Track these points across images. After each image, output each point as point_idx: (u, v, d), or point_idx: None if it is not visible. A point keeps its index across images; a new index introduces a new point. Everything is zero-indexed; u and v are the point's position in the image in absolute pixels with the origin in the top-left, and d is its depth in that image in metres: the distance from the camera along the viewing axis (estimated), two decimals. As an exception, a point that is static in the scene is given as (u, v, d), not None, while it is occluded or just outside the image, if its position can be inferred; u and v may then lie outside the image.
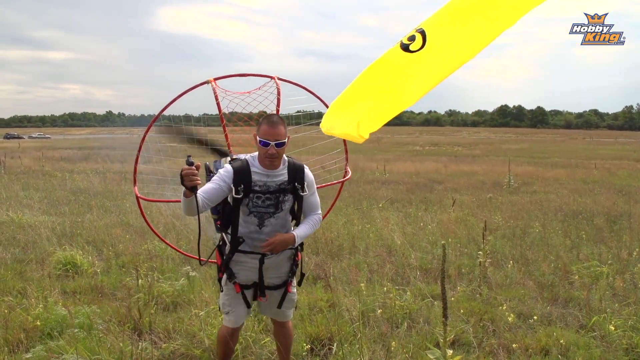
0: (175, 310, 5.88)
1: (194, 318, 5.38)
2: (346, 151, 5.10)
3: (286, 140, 3.47)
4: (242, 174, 3.48)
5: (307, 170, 3.68)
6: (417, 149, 49.50)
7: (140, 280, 6.18)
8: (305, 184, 3.63)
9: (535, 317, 5.64)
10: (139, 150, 4.35)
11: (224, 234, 3.77)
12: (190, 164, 3.09)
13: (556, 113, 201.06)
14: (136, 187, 4.52)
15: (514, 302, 6.19)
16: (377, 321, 5.59)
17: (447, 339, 3.71)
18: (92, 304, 5.92)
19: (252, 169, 3.52)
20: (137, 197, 4.45)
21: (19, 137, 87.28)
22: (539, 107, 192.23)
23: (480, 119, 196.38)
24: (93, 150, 42.25)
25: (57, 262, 7.46)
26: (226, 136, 4.26)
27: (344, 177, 5.18)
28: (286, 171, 3.59)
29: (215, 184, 3.46)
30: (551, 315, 5.86)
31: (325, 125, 3.41)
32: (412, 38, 3.07)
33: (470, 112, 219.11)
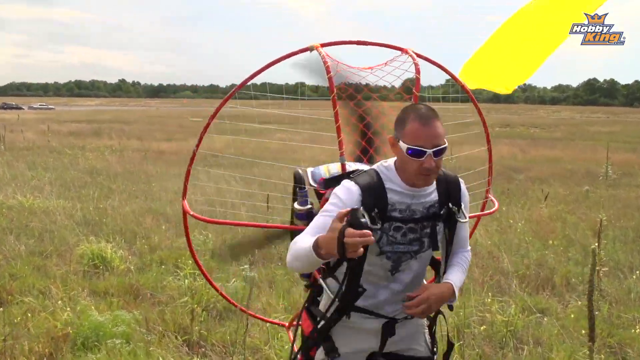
0: (229, 318, 5.79)
1: (256, 329, 5.27)
2: (490, 172, 4.24)
3: (446, 144, 2.61)
4: (374, 193, 2.66)
5: (463, 185, 2.87)
6: (485, 130, 48.77)
7: (186, 281, 6.11)
8: (463, 206, 2.81)
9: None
10: (198, 145, 3.53)
11: (323, 282, 2.91)
12: (360, 226, 2.23)
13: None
14: (185, 201, 3.71)
15: (646, 323, 5.90)
16: (476, 340, 5.39)
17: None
18: (130, 309, 5.87)
19: (388, 185, 2.70)
20: (185, 214, 3.69)
21: (17, 108, 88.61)
22: (636, 82, 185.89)
23: (561, 95, 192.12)
24: (105, 124, 42.92)
25: (81, 256, 7.47)
26: (338, 130, 3.32)
27: (483, 208, 4.31)
28: (435, 187, 2.77)
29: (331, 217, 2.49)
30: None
31: (468, 78, 3.71)
32: None
33: (549, 87, 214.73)
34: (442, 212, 2.75)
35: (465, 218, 2.78)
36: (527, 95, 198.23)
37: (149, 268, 7.35)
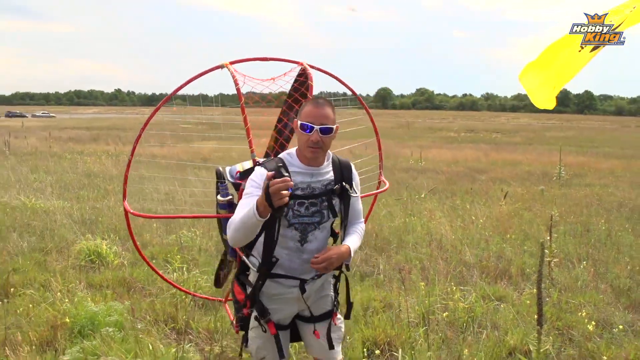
0: (214, 307, 5.78)
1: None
2: (380, 158, 4.73)
3: (334, 127, 3.01)
4: (280, 176, 2.80)
5: (354, 168, 3.30)
6: (451, 135, 49.07)
7: (175, 274, 6.09)
8: (354, 183, 3.23)
9: (620, 327, 5.41)
10: (136, 142, 3.94)
11: (245, 258, 3.26)
12: (281, 175, 2.61)
13: (606, 98, 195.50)
14: (126, 201, 4.00)
15: (590, 308, 5.98)
16: (439, 325, 5.44)
17: (541, 350, 3.54)
18: (123, 300, 5.85)
19: (291, 168, 3.03)
20: (127, 213, 3.97)
21: (21, 116, 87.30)
22: (586, 91, 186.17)
23: (520, 104, 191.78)
24: (102, 130, 42.58)
25: (79, 252, 7.43)
26: (248, 131, 3.73)
27: (378, 188, 4.80)
28: (331, 168, 3.17)
29: (254, 197, 2.84)
30: (634, 324, 5.66)
31: (525, 79, 3.92)
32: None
33: (509, 96, 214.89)
34: (335, 188, 3.14)
35: (356, 193, 3.25)
36: (490, 103, 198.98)
37: (140, 263, 7.29)
